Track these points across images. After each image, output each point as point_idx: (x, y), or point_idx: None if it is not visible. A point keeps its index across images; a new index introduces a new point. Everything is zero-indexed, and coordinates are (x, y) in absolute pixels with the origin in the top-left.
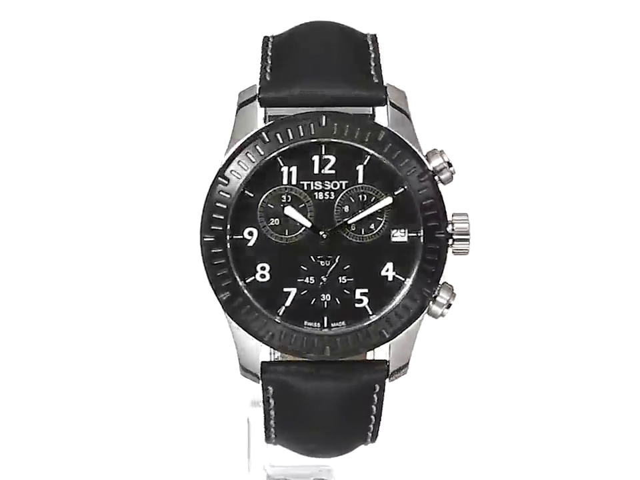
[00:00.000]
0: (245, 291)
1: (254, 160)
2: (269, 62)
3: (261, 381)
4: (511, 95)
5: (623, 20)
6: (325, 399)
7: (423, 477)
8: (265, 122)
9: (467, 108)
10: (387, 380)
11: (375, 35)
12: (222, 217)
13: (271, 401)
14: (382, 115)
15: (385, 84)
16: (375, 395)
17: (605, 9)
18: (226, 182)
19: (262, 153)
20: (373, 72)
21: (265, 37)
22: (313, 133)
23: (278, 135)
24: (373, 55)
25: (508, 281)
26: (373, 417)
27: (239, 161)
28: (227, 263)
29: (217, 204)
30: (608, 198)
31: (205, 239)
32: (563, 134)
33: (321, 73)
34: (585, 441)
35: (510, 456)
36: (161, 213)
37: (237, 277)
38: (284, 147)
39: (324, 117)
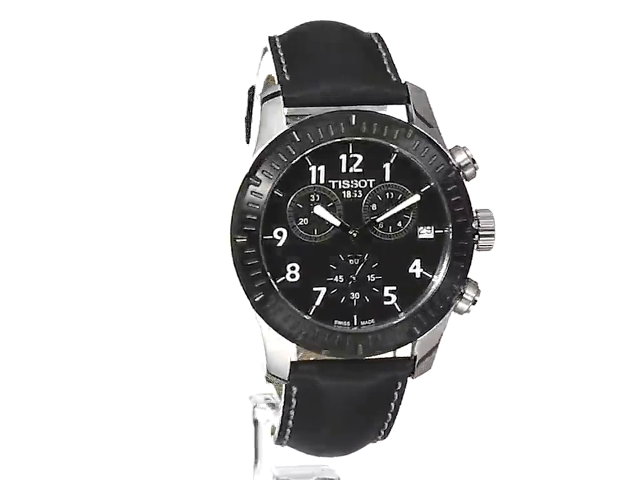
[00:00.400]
0: (278, 291)
1: (285, 159)
2: (283, 62)
3: (286, 382)
4: (510, 95)
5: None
6: (349, 397)
7: (425, 476)
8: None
9: (465, 106)
10: (410, 377)
11: (379, 34)
12: (255, 218)
13: (293, 401)
14: (402, 113)
15: (403, 82)
16: (395, 393)
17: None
18: (257, 182)
19: (293, 152)
20: (389, 70)
21: (271, 36)
22: (343, 131)
23: (309, 134)
24: (384, 54)
25: (512, 278)
26: (390, 414)
27: (271, 161)
28: (260, 264)
29: (249, 204)
30: (620, 196)
31: (237, 240)
32: (564, 129)
33: (340, 73)
34: (601, 443)
35: (518, 456)
36: (172, 214)
37: (270, 278)
38: (315, 145)
39: (353, 116)
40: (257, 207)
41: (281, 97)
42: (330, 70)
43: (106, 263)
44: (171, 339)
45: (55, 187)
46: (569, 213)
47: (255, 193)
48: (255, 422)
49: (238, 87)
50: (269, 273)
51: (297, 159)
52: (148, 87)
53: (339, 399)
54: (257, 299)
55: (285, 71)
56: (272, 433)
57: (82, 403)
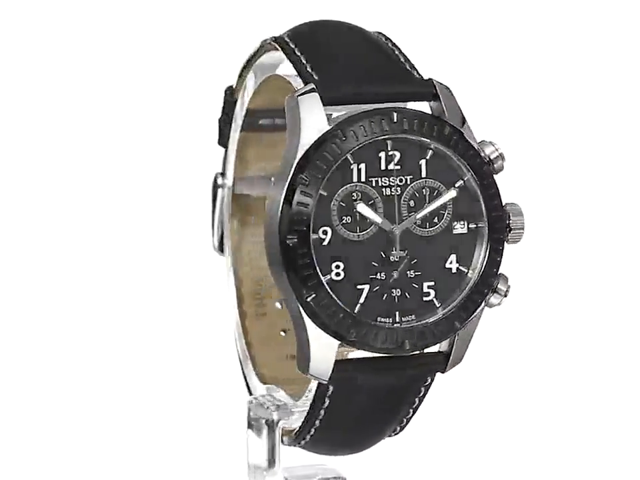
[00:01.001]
0: (329, 290)
1: (332, 158)
2: (304, 61)
3: (325, 382)
4: (507, 93)
5: None
6: (382, 394)
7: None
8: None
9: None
10: (441, 372)
11: (383, 33)
12: (305, 217)
13: (326, 400)
14: (426, 110)
15: (426, 79)
16: (423, 387)
17: None
18: (306, 181)
19: (339, 151)
20: (408, 67)
21: (279, 37)
22: (386, 129)
23: (352, 132)
24: (396, 52)
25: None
26: (411, 410)
27: (317, 159)
28: (312, 263)
29: (299, 204)
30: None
31: (287, 241)
32: (563, 124)
33: (367, 72)
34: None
35: (522, 456)
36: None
37: (321, 277)
38: (360, 144)
39: (395, 113)
40: (307, 206)
41: (317, 95)
42: (357, 69)
43: (106, 263)
44: (171, 340)
45: (53, 187)
46: (569, 211)
47: (304, 192)
48: (270, 425)
49: (212, 87)
50: (319, 272)
51: (343, 158)
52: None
53: (372, 397)
54: (308, 299)
55: (310, 70)
56: (283, 435)
57: (82, 405)
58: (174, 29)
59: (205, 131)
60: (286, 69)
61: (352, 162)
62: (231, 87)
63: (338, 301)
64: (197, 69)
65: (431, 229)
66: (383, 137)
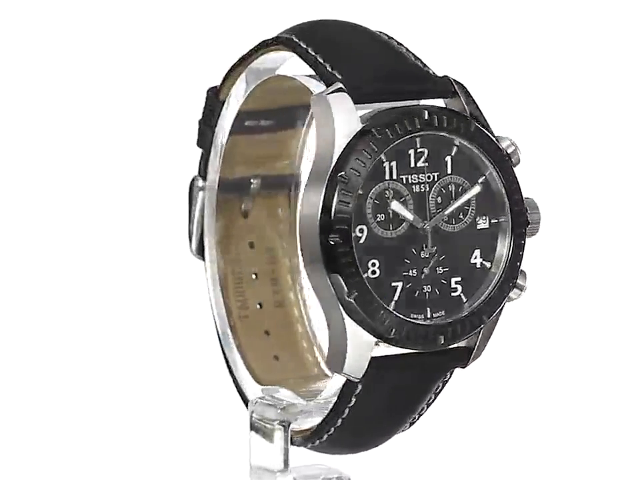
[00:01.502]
0: (370, 288)
1: (369, 156)
2: (322, 60)
3: (358, 380)
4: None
5: None
6: (407, 390)
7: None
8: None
9: None
10: (462, 367)
11: (384, 32)
12: (347, 216)
13: (353, 399)
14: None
15: (441, 76)
16: (441, 383)
17: None
18: (346, 179)
19: (376, 149)
20: (420, 65)
21: (284, 37)
22: (418, 127)
23: (387, 130)
24: (405, 49)
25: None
26: (426, 405)
27: (356, 158)
28: (354, 261)
29: (340, 203)
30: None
31: (330, 239)
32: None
33: (388, 70)
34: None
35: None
36: None
37: (363, 275)
38: (394, 141)
39: (426, 111)
40: (348, 205)
41: (346, 94)
42: (377, 68)
43: (109, 264)
44: (156, 344)
45: (32, 189)
46: (569, 209)
47: (345, 190)
48: (285, 426)
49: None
50: (360, 270)
51: (379, 156)
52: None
53: (395, 394)
54: (350, 298)
55: (331, 70)
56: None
57: (81, 408)
58: (155, 29)
59: (167, 135)
60: (283, 70)
61: (384, 160)
62: (215, 87)
63: (377, 298)
64: (175, 69)
65: (456, 225)
66: (415, 135)
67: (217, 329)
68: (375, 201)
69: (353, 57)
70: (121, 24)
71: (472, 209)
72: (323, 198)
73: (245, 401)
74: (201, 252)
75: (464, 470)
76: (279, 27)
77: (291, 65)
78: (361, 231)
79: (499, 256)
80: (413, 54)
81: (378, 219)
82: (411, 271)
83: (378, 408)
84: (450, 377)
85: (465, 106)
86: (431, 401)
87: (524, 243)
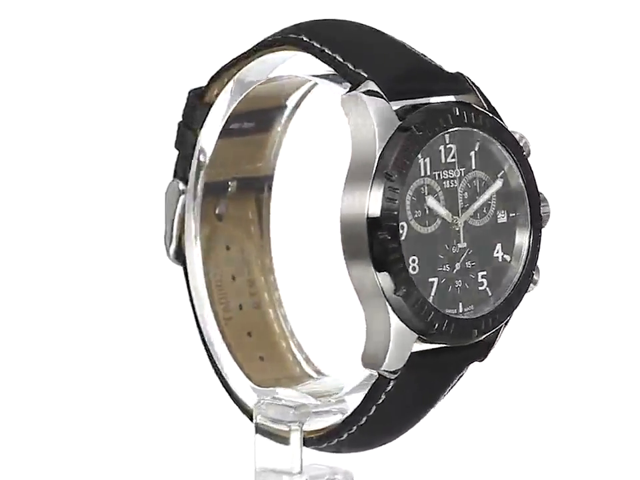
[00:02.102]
0: (415, 284)
1: (411, 153)
2: (342, 60)
3: (393, 378)
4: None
5: None
6: (431, 385)
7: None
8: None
9: None
10: (480, 361)
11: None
12: (394, 213)
13: (382, 396)
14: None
15: (454, 72)
16: (458, 377)
17: None
18: (392, 176)
19: (416, 146)
20: (432, 62)
21: (294, 37)
22: (451, 122)
23: (425, 127)
24: (413, 47)
25: None
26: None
27: (399, 155)
28: (401, 258)
29: (388, 200)
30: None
31: (380, 237)
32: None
33: (407, 67)
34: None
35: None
36: None
37: (410, 271)
38: (431, 137)
39: (456, 107)
40: (395, 201)
41: (380, 92)
42: (397, 66)
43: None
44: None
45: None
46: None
47: (391, 187)
48: (301, 426)
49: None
50: (408, 267)
51: (420, 152)
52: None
53: (420, 390)
54: (398, 294)
55: (353, 68)
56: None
57: (88, 412)
58: (137, 31)
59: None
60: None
61: (420, 156)
62: (199, 89)
63: (423, 294)
64: (153, 71)
65: (480, 220)
66: (447, 131)
67: (203, 336)
68: (413, 198)
69: (373, 55)
70: (109, 24)
71: (493, 203)
72: (369, 195)
73: (240, 404)
74: (178, 257)
75: (464, 467)
76: (254, 30)
77: (288, 67)
78: (402, 227)
79: (518, 249)
80: (419, 52)
81: (415, 215)
82: (444, 267)
83: (403, 404)
84: (465, 371)
85: (482, 101)
86: (445, 394)
87: (540, 236)
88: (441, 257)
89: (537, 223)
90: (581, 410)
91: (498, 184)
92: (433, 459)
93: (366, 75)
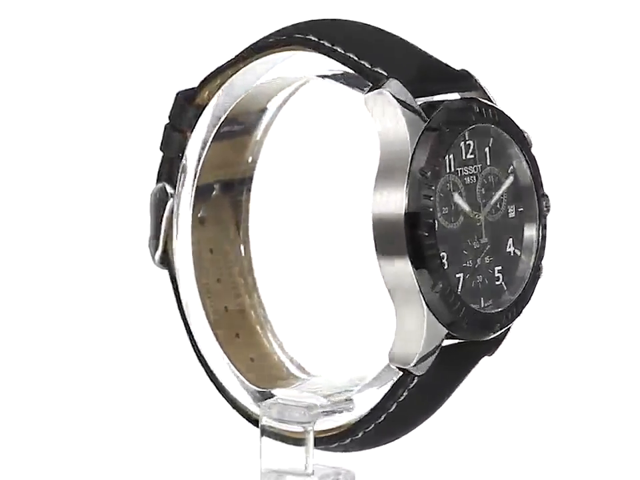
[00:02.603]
0: (449, 280)
1: (442, 151)
2: (357, 59)
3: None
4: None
5: None
6: (448, 381)
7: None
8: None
9: None
10: (489, 355)
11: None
12: (431, 209)
13: (404, 393)
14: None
15: (460, 70)
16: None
17: None
18: (426, 173)
19: (445, 145)
20: (439, 60)
21: (300, 37)
22: (473, 119)
23: (449, 124)
24: (419, 46)
25: None
26: None
27: (431, 153)
28: (438, 254)
29: (424, 197)
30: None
31: (418, 234)
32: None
33: (420, 66)
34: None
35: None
36: None
37: (446, 267)
38: (458, 134)
39: (476, 104)
40: (431, 198)
41: (405, 90)
42: (413, 63)
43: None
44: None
45: None
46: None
47: (427, 184)
48: (312, 427)
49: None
50: (444, 262)
51: (449, 149)
52: None
53: (441, 384)
54: (435, 290)
55: (371, 67)
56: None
57: (91, 414)
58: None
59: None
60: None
61: (445, 153)
62: (189, 91)
63: (456, 290)
64: (135, 73)
65: (495, 215)
66: (469, 128)
67: (196, 343)
68: (440, 194)
69: (388, 53)
70: (100, 25)
71: (505, 198)
72: (407, 193)
73: (237, 407)
74: (164, 262)
75: (464, 467)
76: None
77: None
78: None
79: (528, 243)
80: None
81: (443, 212)
82: (468, 262)
83: (421, 400)
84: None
85: (491, 97)
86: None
87: (546, 229)
88: (465, 252)
89: (543, 217)
90: (581, 406)
91: (510, 179)
92: (433, 458)
93: (385, 74)
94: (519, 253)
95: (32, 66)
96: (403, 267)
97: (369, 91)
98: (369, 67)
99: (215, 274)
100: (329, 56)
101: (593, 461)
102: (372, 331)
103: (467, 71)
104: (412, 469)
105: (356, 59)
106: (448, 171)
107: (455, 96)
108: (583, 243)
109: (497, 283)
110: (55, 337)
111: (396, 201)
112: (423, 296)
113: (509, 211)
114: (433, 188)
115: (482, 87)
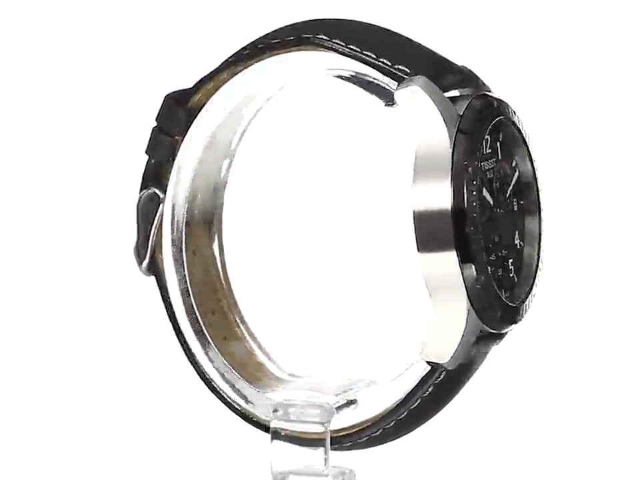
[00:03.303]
0: (490, 273)
1: (478, 144)
2: (375, 56)
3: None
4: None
5: None
6: (467, 373)
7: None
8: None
9: None
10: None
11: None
12: (477, 205)
13: (430, 389)
14: None
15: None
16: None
17: None
18: (469, 169)
19: (479, 139)
20: (443, 56)
21: (309, 36)
22: (494, 113)
23: (482, 120)
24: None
25: None
26: None
27: (470, 149)
28: (482, 247)
29: (471, 192)
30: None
31: (466, 229)
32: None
33: (433, 63)
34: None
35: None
36: None
37: (487, 260)
38: (485, 129)
39: (494, 99)
40: (474, 193)
41: (433, 85)
42: (430, 60)
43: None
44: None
45: None
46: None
47: (471, 181)
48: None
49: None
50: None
51: (480, 145)
52: None
53: (460, 377)
54: (480, 284)
55: (391, 64)
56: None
57: (93, 416)
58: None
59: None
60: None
61: (478, 149)
62: (179, 93)
63: (492, 283)
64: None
65: (506, 208)
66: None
67: (191, 350)
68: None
69: (406, 51)
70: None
71: (511, 192)
72: (453, 189)
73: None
74: (151, 267)
75: (465, 467)
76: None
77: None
78: None
79: (531, 236)
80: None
81: (478, 207)
82: (492, 255)
83: (443, 393)
84: None
85: (493, 92)
86: None
87: (543, 222)
88: (490, 246)
89: (542, 209)
90: (580, 404)
91: (517, 173)
92: (433, 458)
93: (409, 71)
94: (523, 245)
95: (26, 66)
96: (449, 261)
97: (398, 88)
98: (390, 64)
99: (200, 276)
100: (344, 55)
101: (593, 461)
102: (350, 331)
103: (467, 67)
104: (412, 469)
105: (374, 57)
106: (479, 166)
107: (467, 91)
108: (583, 243)
109: (511, 275)
110: (46, 343)
111: (440, 197)
112: (467, 290)
113: (514, 204)
114: (475, 183)
115: (484, 82)
